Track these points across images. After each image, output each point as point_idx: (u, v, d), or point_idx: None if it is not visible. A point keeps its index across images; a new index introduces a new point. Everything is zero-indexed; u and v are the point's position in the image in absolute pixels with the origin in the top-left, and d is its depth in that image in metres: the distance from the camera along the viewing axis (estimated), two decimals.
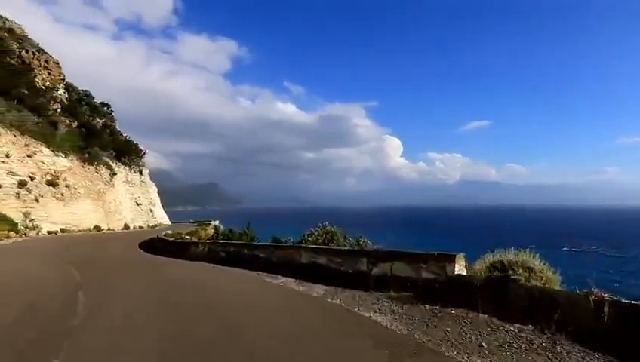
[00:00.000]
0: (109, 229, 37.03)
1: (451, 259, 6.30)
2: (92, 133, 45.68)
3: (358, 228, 16.05)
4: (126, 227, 40.97)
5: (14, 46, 48.01)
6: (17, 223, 24.57)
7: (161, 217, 63.76)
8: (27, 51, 50.39)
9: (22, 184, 27.70)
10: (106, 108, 64.83)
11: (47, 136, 34.95)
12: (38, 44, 53.62)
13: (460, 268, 6.30)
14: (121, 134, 59.28)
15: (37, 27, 52.46)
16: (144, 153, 58.21)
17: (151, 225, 52.18)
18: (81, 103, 57.00)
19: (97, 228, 34.74)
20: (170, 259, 15.46)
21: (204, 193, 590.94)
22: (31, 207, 27.56)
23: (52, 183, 31.58)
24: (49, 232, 27.88)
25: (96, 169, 40.09)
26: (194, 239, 19.31)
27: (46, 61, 52.63)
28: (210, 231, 43.97)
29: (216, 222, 67.46)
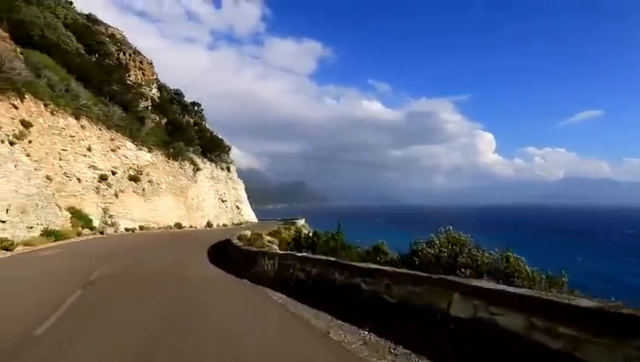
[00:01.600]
0: (190, 226, 35.39)
1: None
2: (178, 129, 45.38)
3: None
4: (209, 224, 39.33)
5: (113, 49, 50.29)
6: (91, 219, 22.98)
7: (248, 215, 62.84)
8: (124, 53, 52.72)
9: (103, 178, 26.54)
10: (196, 108, 66.08)
11: (133, 131, 34.38)
12: (135, 47, 56.15)
13: None
14: (210, 131, 59.50)
15: (147, 42, 54.27)
16: (229, 148, 57.41)
17: (236, 222, 50.79)
18: (172, 102, 58.34)
19: (178, 225, 33.11)
20: (224, 278, 11.01)
21: (291, 191, 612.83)
22: (110, 203, 26.22)
23: (134, 178, 30.44)
24: (126, 229, 26.27)
25: (180, 164, 39.02)
26: (265, 248, 14.80)
27: (140, 62, 54.54)
28: (296, 230, 40.41)
29: (302, 221, 64.73)
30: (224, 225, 44.86)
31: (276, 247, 27.02)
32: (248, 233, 25.51)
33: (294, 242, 21.10)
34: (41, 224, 17.99)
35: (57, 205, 20.23)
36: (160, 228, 30.49)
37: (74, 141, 25.21)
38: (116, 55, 51.16)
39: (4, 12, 30.86)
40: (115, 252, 15.47)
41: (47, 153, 21.34)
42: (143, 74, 54.88)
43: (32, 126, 21.11)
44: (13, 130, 19.08)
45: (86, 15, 52.13)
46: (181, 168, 38.82)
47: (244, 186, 66.43)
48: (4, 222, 15.25)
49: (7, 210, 15.90)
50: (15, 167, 17.13)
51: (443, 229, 7.96)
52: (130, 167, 30.88)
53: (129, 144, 31.99)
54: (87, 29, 46.95)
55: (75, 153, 25.03)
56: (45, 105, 23.97)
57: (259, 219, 63.95)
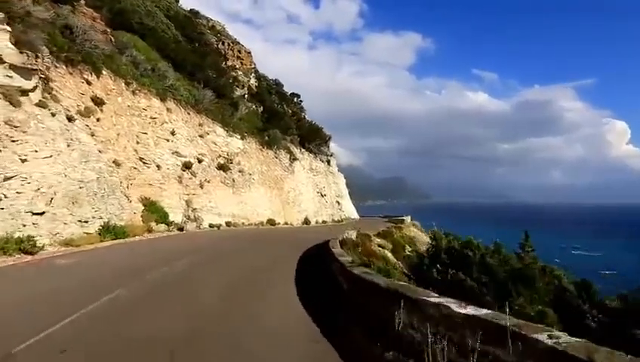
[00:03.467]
0: (285, 223, 30.89)
1: None
2: (274, 116, 41.76)
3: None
4: (306, 221, 34.54)
5: (213, 39, 49.33)
6: (167, 213, 19.36)
7: (350, 211, 57.72)
8: (223, 43, 51.62)
9: (186, 166, 23.16)
10: (295, 99, 62.90)
11: (225, 116, 31.16)
12: (235, 38, 55.04)
13: None
14: (309, 121, 55.55)
15: (252, 47, 53.48)
16: (329, 138, 52.40)
17: (336, 219, 45.62)
18: (270, 93, 55.76)
19: (271, 221, 28.75)
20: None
21: (391, 187, 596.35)
22: (194, 194, 22.68)
23: (223, 167, 26.83)
24: (210, 226, 22.42)
25: (276, 153, 34.92)
26: (397, 280, 8.20)
27: (239, 51, 52.85)
28: (408, 231, 32.99)
29: (408, 219, 57.04)
30: (323, 221, 39.83)
31: (389, 255, 20.18)
32: (353, 235, 19.43)
33: (430, 255, 14.22)
34: (101, 217, 14.36)
35: (126, 195, 16.76)
36: (250, 224, 26.37)
37: (156, 124, 22.16)
38: (215, 45, 49.99)
39: (106, 1, 29.91)
40: (180, 254, 10.69)
41: (119, 134, 18.16)
42: (242, 63, 53.00)
43: (104, 103, 18.12)
44: (78, 106, 15.95)
45: (189, 10, 52.27)
46: (276, 157, 34.70)
47: (344, 181, 61.36)
48: (40, 214, 11.55)
49: (52, 198, 12.28)
50: (68, 146, 13.62)
51: None
52: (220, 155, 27.37)
53: (219, 129, 28.62)
54: (188, 19, 46.38)
55: (157, 137, 21.93)
56: (127, 84, 21.24)
57: (360, 216, 58.84)
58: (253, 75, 53.95)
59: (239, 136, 30.46)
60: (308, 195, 38.05)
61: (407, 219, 61.15)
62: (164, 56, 31.17)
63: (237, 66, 51.08)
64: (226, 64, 45.71)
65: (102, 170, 15.36)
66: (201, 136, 26.57)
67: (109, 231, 14.12)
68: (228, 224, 24.11)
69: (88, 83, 18.02)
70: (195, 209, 21.98)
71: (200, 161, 24.90)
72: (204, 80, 33.33)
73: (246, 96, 46.24)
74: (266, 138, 35.24)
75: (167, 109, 24.29)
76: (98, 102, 17.84)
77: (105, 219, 14.51)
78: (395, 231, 28.32)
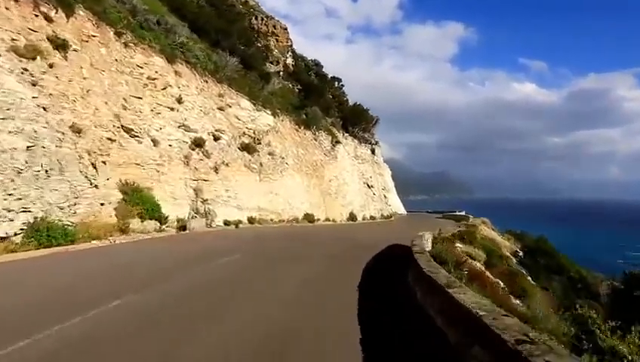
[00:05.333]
0: (327, 220, 24.57)
1: None
2: (313, 93, 35.43)
3: None
4: (352, 217, 28.00)
5: (245, 12, 43.91)
6: (159, 205, 13.60)
7: (397, 206, 50.87)
8: (256, 17, 46.15)
9: (197, 144, 17.45)
10: (336, 84, 56.14)
11: (254, 90, 25.26)
12: (269, 15, 49.49)
13: None
14: (353, 103, 48.82)
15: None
16: (376, 121, 45.28)
17: (385, 214, 38.77)
18: (308, 74, 49.47)
19: (309, 217, 22.50)
20: None
21: (432, 182, 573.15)
22: (205, 180, 16.87)
23: (247, 148, 20.94)
24: (226, 223, 16.52)
25: (314, 134, 28.62)
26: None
27: (274, 26, 47.02)
28: (483, 230, 25.27)
29: (462, 212, 48.85)
30: (371, 217, 33.12)
31: (482, 267, 13.34)
32: (427, 238, 12.77)
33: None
34: (29, 210, 8.71)
35: (88, 177, 11.06)
36: (281, 221, 20.30)
37: (155, 87, 16.55)
38: (247, 19, 44.36)
39: None
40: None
41: (88, 91, 12.59)
42: (277, 40, 47.03)
43: (68, 48, 12.65)
44: (14, 40, 10.45)
45: None
46: (315, 139, 28.38)
47: (390, 172, 54.37)
48: None
49: None
50: None
51: None
52: (244, 132, 21.50)
53: (245, 102, 22.72)
54: None
55: (157, 104, 16.33)
56: (118, 35, 15.74)
57: (407, 211, 52.98)
58: (289, 53, 47.86)
59: (270, 112, 24.42)
60: (353, 186, 31.47)
61: (463, 213, 53.01)
62: (180, 17, 25.77)
63: (271, 44, 45.19)
64: (257, 40, 39.96)
65: (42, 136, 9.72)
66: (220, 109, 20.81)
67: (39, 232, 8.42)
68: (251, 220, 18.14)
69: (48, 20, 12.59)
70: (205, 200, 16.20)
71: (217, 139, 19.13)
72: (229, 49, 27.61)
73: (281, 73, 40.34)
74: (304, 116, 29.02)
75: (176, 72, 18.69)
76: (59, 44, 12.34)
77: (37, 212, 8.84)
78: (472, 230, 21.10)
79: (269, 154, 22.62)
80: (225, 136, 19.83)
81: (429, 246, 11.49)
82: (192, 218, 15.21)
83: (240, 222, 17.20)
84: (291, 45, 48.64)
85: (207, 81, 21.38)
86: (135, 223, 11.76)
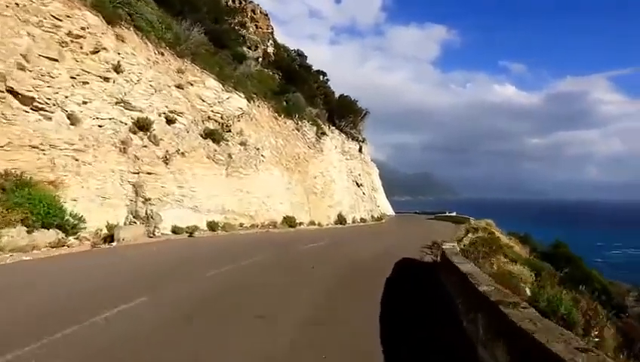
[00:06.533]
0: (311, 223, 20.57)
1: None
2: (294, 80, 31.44)
3: None
4: (340, 220, 24.09)
5: None
6: (64, 209, 9.37)
7: (385, 206, 47.71)
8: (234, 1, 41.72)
9: (141, 127, 13.23)
10: (321, 77, 52.11)
11: (225, 69, 21.12)
12: None
13: None
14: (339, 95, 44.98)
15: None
16: (365, 114, 41.51)
17: (375, 216, 35.12)
18: (291, 63, 45.31)
19: (289, 221, 18.46)
20: None
21: (417, 183, 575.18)
22: (150, 173, 12.66)
23: (213, 135, 16.78)
24: (175, 232, 12.34)
25: (297, 124, 24.61)
26: None
27: (253, 11, 42.56)
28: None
29: (452, 213, 45.97)
30: (362, 219, 29.32)
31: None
32: (453, 246, 9.03)
33: None
34: None
35: None
36: (254, 226, 16.19)
37: (82, 48, 12.25)
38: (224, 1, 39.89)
39: None
40: None
41: None
42: (257, 26, 42.62)
43: None
44: None
45: None
46: (297, 130, 24.36)
47: (377, 171, 51.04)
48: None
49: None
50: None
51: None
52: (210, 117, 17.34)
53: (211, 82, 18.52)
54: None
55: (82, 70, 12.04)
56: None
57: (395, 212, 50.69)
58: (270, 42, 43.55)
59: (243, 95, 20.28)
60: (342, 183, 27.59)
61: (453, 213, 49.94)
62: None
63: (250, 30, 40.81)
64: (232, 17, 35.67)
65: None
66: (179, 87, 16.58)
67: None
68: (212, 226, 13.95)
69: None
70: (148, 200, 11.96)
71: (171, 122, 14.94)
72: (196, 21, 23.35)
73: (260, 60, 36.16)
74: (285, 103, 24.98)
75: (118, 36, 14.40)
76: None
77: None
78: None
79: (241, 143, 18.49)
80: (183, 119, 15.64)
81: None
82: (127, 224, 10.99)
83: (196, 228, 13.01)
84: (272, 32, 44.44)
85: (162, 53, 17.16)
86: (14, 234, 7.57)
